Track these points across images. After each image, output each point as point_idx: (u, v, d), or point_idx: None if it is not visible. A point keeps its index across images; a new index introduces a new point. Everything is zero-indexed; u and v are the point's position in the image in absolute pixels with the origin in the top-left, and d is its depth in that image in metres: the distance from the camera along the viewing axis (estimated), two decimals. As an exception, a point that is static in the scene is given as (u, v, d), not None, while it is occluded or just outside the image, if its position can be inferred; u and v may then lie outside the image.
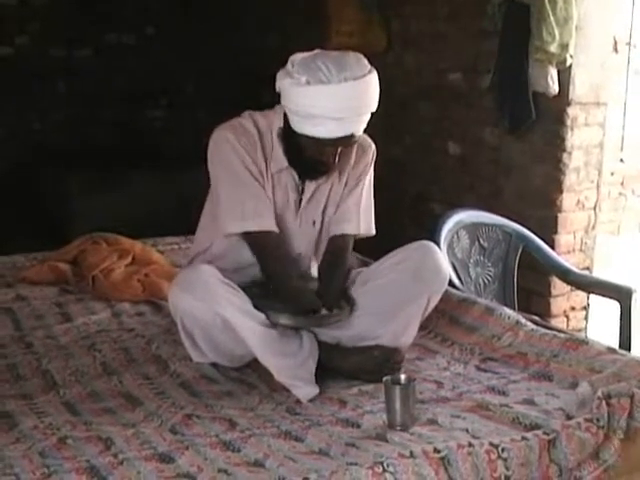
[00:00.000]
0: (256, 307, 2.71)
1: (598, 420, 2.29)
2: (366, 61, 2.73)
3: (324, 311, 2.80)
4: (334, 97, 2.62)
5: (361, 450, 2.25)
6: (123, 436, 2.32)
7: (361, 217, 2.99)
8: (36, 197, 6.26)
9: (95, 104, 6.77)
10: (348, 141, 2.72)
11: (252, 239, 2.82)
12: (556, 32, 3.96)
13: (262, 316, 2.70)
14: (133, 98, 6.91)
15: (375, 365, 2.75)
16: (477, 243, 3.83)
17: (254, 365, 2.76)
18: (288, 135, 2.77)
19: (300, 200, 2.90)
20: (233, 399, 2.62)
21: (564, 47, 3.99)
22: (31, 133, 6.67)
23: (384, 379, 2.45)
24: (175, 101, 7.10)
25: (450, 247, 3.69)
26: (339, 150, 2.73)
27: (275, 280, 2.81)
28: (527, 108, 4.13)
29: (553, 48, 3.97)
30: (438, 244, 3.44)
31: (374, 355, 2.77)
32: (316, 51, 2.74)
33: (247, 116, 2.88)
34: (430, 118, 4.95)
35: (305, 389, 2.64)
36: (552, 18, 3.94)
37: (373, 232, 3.05)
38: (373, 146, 3.00)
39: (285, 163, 2.82)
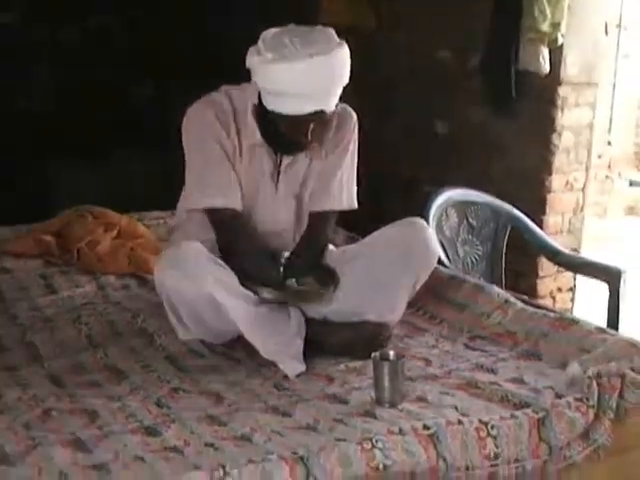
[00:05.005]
0: (242, 284, 2.69)
1: (588, 400, 2.28)
2: (335, 35, 2.69)
3: (290, 282, 2.78)
4: (300, 74, 2.60)
5: (349, 426, 2.22)
6: (108, 409, 2.30)
7: (344, 191, 2.97)
8: (19, 173, 6.19)
9: (80, 82, 6.70)
10: (319, 117, 2.68)
11: (213, 216, 2.81)
12: (547, 11, 3.94)
13: (249, 293, 2.67)
14: (118, 75, 6.84)
15: (363, 341, 2.72)
16: (466, 221, 3.81)
17: (244, 341, 2.72)
18: (261, 112, 2.75)
19: (278, 172, 2.87)
20: (220, 373, 2.60)
21: (555, 26, 3.97)
22: (15, 111, 6.59)
23: (372, 355, 2.43)
24: (162, 77, 7.03)
25: (439, 225, 3.67)
26: (311, 126, 2.70)
27: (234, 257, 2.77)
28: (508, 87, 4.11)
29: (544, 27, 3.95)
30: (427, 222, 3.41)
31: (362, 331, 2.76)
32: (288, 26, 2.71)
33: (222, 91, 2.86)
34: (419, 97, 4.90)
35: (292, 364, 2.61)
36: (544, -4, 3.92)
37: (355, 205, 3.02)
38: (354, 116, 2.96)
39: (259, 137, 2.80)
